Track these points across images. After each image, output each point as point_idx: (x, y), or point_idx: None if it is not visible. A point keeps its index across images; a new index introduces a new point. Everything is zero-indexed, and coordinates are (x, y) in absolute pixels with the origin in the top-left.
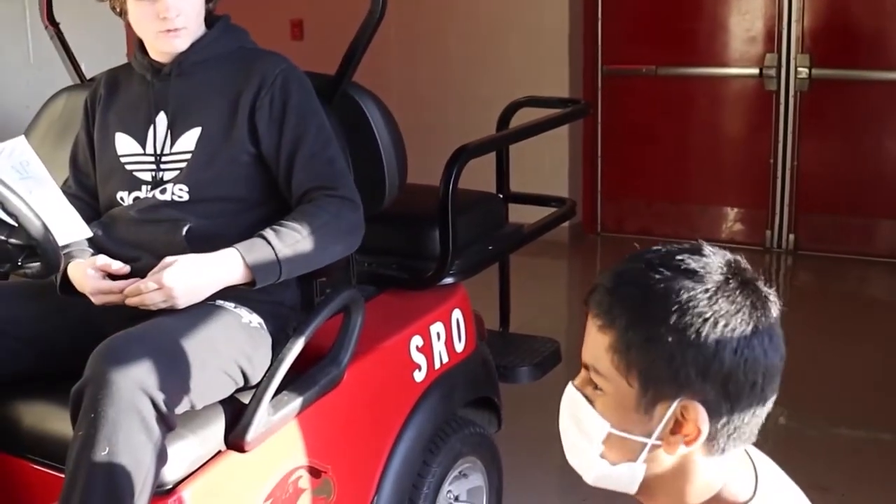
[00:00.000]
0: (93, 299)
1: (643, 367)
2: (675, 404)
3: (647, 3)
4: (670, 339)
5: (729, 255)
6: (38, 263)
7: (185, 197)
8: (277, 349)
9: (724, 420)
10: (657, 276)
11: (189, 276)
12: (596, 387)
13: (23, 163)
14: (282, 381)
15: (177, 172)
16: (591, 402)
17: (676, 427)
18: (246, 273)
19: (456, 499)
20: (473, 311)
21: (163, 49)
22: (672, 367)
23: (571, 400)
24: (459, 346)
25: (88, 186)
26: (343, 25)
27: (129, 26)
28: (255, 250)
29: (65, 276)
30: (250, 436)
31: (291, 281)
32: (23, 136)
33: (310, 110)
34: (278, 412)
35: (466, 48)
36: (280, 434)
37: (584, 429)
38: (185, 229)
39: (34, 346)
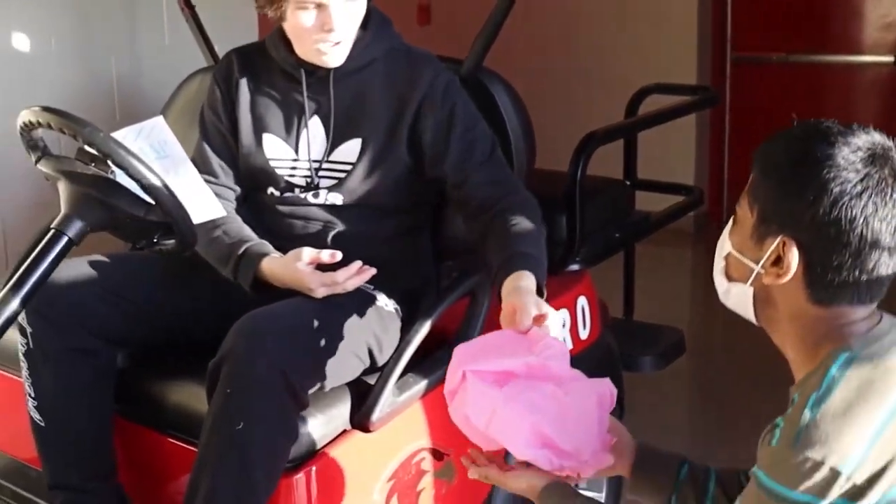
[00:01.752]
0: (316, 293)
1: (763, 200)
2: (777, 239)
3: None
4: (790, 180)
5: (881, 138)
6: (173, 240)
7: (339, 202)
8: (406, 331)
9: (819, 268)
10: (804, 134)
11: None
12: (735, 215)
13: (160, 142)
14: (408, 364)
15: (334, 182)
16: (730, 227)
17: (776, 261)
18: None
19: (576, 485)
20: (598, 299)
21: (316, 63)
22: (783, 205)
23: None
24: (584, 333)
25: (217, 168)
26: (470, 9)
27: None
28: (531, 259)
29: (256, 272)
30: (375, 416)
31: (424, 265)
32: (160, 116)
33: (473, 116)
34: (403, 394)
35: (593, 33)
36: (405, 415)
37: (718, 248)
38: (331, 235)
39: (169, 319)
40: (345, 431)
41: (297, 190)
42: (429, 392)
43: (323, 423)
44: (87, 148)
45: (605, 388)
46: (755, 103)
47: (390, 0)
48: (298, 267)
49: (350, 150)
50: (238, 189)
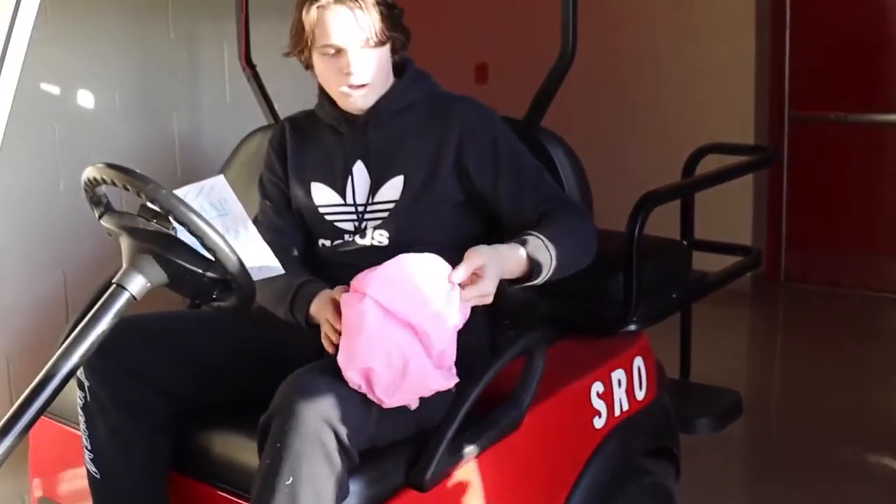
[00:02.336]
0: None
1: None
2: None
3: (836, 47)
4: None
5: None
6: (232, 297)
7: (385, 242)
8: (460, 389)
9: None
10: None
11: (493, 256)
12: None
13: (221, 200)
14: (462, 422)
15: (379, 221)
16: None
17: None
18: (527, 265)
19: None
20: (655, 359)
21: (344, 107)
22: None
23: None
24: (640, 394)
25: (280, 226)
26: (526, 69)
27: None
28: (534, 246)
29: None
30: (429, 475)
31: (478, 323)
32: (222, 175)
33: (516, 145)
34: (458, 453)
35: (649, 91)
36: (459, 474)
37: None
38: None
39: (223, 375)
40: (399, 490)
41: (346, 235)
42: (483, 451)
43: (375, 481)
44: (149, 204)
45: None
46: (813, 163)
47: (448, 59)
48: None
49: (393, 187)
50: (300, 243)
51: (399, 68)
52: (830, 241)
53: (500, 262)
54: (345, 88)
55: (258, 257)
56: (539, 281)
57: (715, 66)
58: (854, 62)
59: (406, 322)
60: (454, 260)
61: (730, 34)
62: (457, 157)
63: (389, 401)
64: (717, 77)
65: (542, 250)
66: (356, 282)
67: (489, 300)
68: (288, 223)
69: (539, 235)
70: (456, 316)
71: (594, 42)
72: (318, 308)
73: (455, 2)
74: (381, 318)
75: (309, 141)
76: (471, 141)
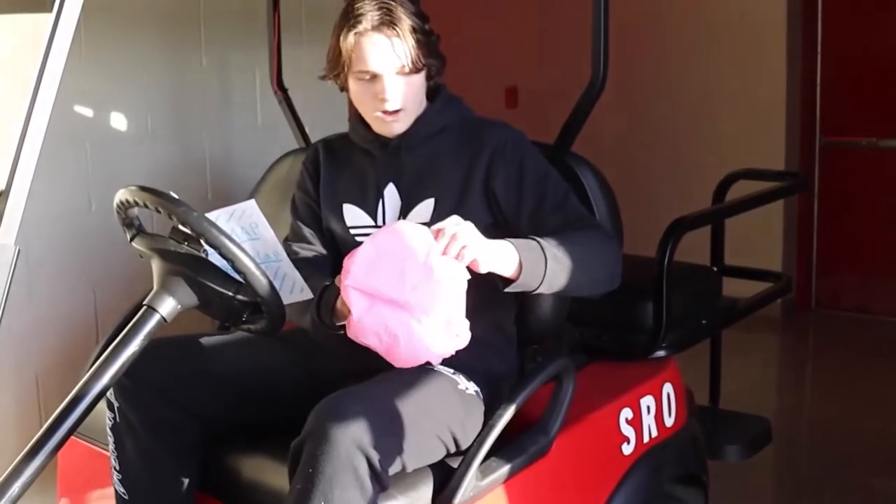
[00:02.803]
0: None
1: None
2: None
3: (867, 73)
4: None
5: None
6: (262, 320)
7: None
8: (489, 414)
9: None
10: None
11: (472, 238)
12: None
13: (252, 224)
14: (491, 447)
15: None
16: None
17: None
18: (515, 268)
19: None
20: (684, 386)
21: (379, 131)
22: None
23: None
24: (669, 421)
25: (311, 245)
26: (557, 93)
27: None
28: (527, 247)
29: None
30: (458, 500)
31: (507, 348)
32: (253, 200)
33: (545, 168)
34: (486, 478)
35: (680, 118)
36: (487, 500)
37: None
38: None
39: (253, 398)
40: None
41: None
42: (512, 476)
43: None
44: (180, 227)
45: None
46: (844, 188)
47: (479, 82)
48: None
49: (424, 210)
50: (330, 264)
51: (432, 92)
52: (861, 267)
53: (463, 232)
54: (379, 114)
55: (288, 281)
56: (533, 285)
57: (746, 93)
58: (885, 88)
59: (389, 299)
60: (483, 286)
61: (761, 60)
62: (485, 180)
63: (399, 365)
64: (748, 103)
65: (534, 251)
66: (341, 273)
67: (472, 250)
68: (318, 243)
69: (536, 239)
70: (445, 275)
71: (626, 69)
72: (340, 304)
73: (486, 26)
74: (365, 301)
75: (342, 163)
76: (499, 163)
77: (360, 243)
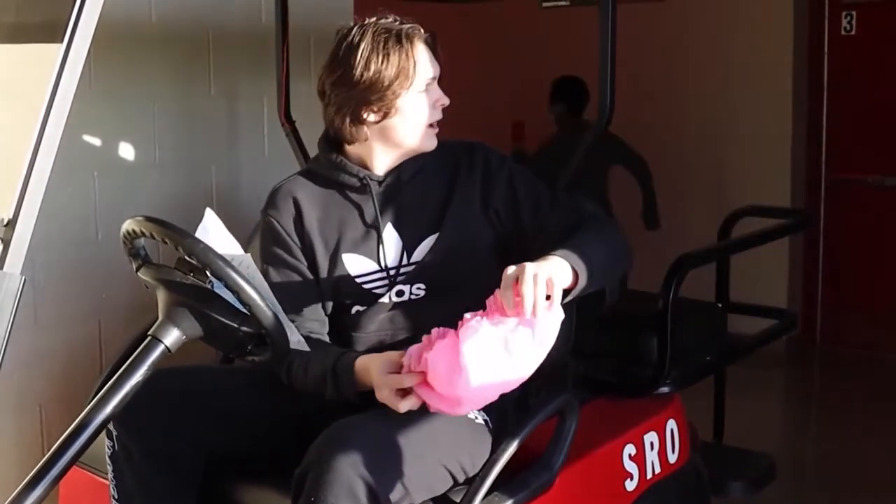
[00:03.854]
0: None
1: None
2: None
3: (873, 111)
4: None
5: None
6: (266, 352)
7: (422, 293)
8: (495, 445)
9: None
10: None
11: (541, 266)
12: None
13: (248, 276)
14: (493, 482)
15: (420, 284)
16: None
17: None
18: (573, 275)
19: None
20: (688, 422)
21: (424, 147)
22: None
23: None
24: (672, 457)
25: (309, 288)
26: None
27: None
28: (572, 256)
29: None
30: None
31: None
32: (209, 209)
33: (526, 174)
34: None
35: (686, 155)
36: None
37: None
38: (417, 334)
39: (254, 428)
40: None
41: (380, 299)
42: None
43: None
44: (186, 258)
45: None
46: (850, 225)
47: (487, 116)
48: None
49: (427, 246)
50: (324, 321)
51: None
52: (866, 304)
53: (532, 265)
54: (432, 125)
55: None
56: (584, 283)
57: (753, 130)
58: (891, 125)
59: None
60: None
61: (768, 97)
62: (483, 202)
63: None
64: (754, 140)
65: (570, 256)
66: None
67: (557, 285)
68: (317, 322)
69: (562, 249)
70: (547, 337)
71: (632, 105)
72: (361, 371)
73: (494, 61)
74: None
75: (324, 208)
76: (493, 187)
77: (368, 290)
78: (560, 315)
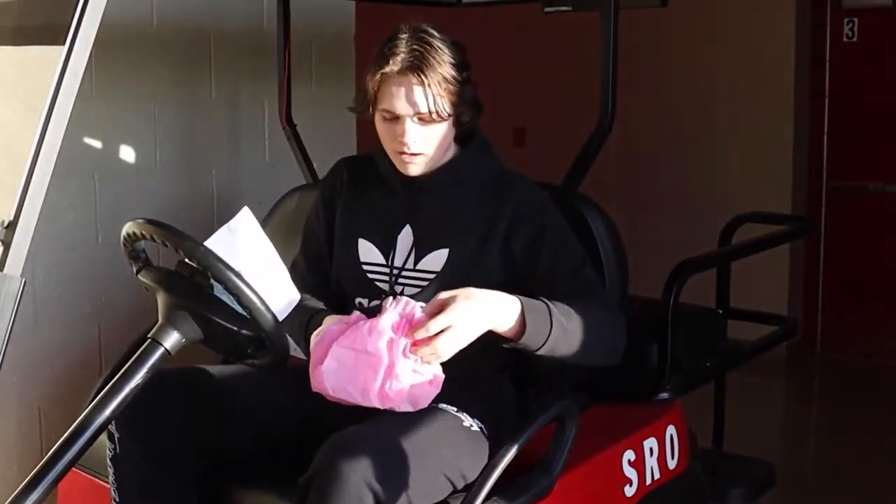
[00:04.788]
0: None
1: None
2: None
3: (875, 117)
4: None
5: None
6: (266, 355)
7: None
8: (492, 453)
9: None
10: None
11: (469, 310)
12: None
13: (250, 236)
14: (492, 487)
15: (417, 290)
16: None
17: None
18: (518, 328)
19: None
20: (687, 429)
21: (399, 169)
22: None
23: None
24: (672, 464)
25: (320, 273)
26: (563, 134)
27: (360, 131)
28: (535, 308)
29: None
30: None
31: (507, 384)
32: (246, 207)
33: (565, 233)
34: None
35: (687, 160)
36: None
37: None
38: None
39: (258, 431)
40: None
41: (382, 295)
42: None
43: None
44: (186, 260)
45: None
46: (851, 232)
47: (488, 122)
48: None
49: (436, 259)
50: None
51: (466, 137)
52: (867, 311)
53: (478, 303)
54: (397, 153)
55: (280, 289)
56: (533, 348)
57: (754, 136)
58: (893, 132)
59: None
60: (491, 347)
61: (769, 103)
62: (506, 240)
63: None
64: (755, 146)
65: (541, 315)
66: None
67: (447, 351)
68: (318, 282)
69: (546, 302)
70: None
71: (633, 111)
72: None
73: (495, 66)
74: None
75: (362, 193)
76: (521, 224)
77: (371, 280)
78: (435, 382)
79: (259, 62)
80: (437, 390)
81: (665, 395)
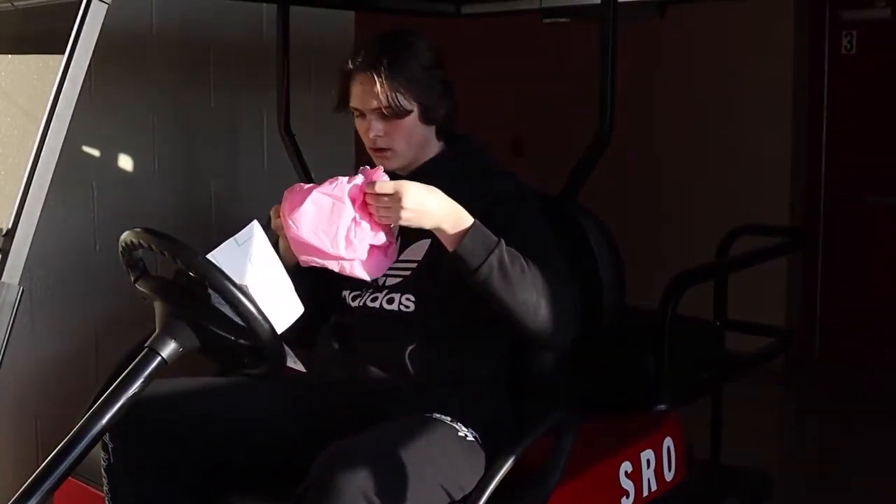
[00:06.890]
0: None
1: None
2: None
3: (874, 129)
4: None
5: None
6: (263, 365)
7: (412, 307)
8: (489, 463)
9: None
10: None
11: (422, 196)
12: None
13: (258, 250)
14: (489, 498)
15: (400, 280)
16: None
17: None
18: (458, 238)
19: None
20: (684, 440)
21: (377, 163)
22: None
23: None
24: (669, 475)
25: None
26: (560, 144)
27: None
28: (484, 235)
29: None
30: None
31: (501, 394)
32: (255, 221)
33: (534, 226)
34: None
35: (686, 172)
36: None
37: None
38: (408, 350)
39: (252, 442)
40: None
41: (366, 290)
42: None
43: None
44: (184, 270)
45: None
46: (849, 244)
47: (486, 131)
48: None
49: (418, 249)
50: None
51: (446, 134)
52: (865, 322)
53: (434, 195)
54: (370, 149)
55: (284, 302)
56: (468, 266)
57: (752, 148)
58: (891, 145)
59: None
60: (479, 347)
61: (768, 117)
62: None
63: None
64: (754, 159)
65: (487, 240)
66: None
67: (391, 214)
68: (306, 273)
69: (501, 240)
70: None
71: (631, 122)
72: None
73: (494, 76)
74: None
75: None
76: (493, 212)
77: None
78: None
79: (258, 71)
80: (391, 261)
81: (662, 406)
